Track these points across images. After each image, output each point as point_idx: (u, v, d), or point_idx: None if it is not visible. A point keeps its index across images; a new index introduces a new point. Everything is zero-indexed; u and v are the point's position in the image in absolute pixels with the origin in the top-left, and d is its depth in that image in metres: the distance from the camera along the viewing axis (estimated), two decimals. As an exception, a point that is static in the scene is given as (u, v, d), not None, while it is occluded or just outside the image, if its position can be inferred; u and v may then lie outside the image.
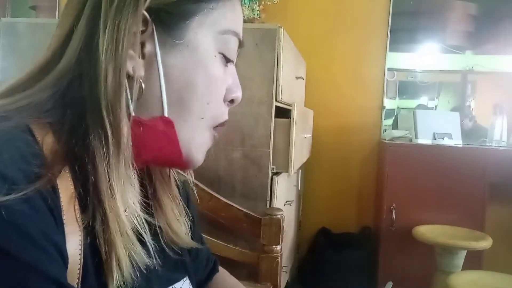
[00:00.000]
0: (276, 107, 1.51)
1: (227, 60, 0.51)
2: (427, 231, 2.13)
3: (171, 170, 0.61)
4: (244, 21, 2.06)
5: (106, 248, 0.43)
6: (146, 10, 0.46)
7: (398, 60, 2.74)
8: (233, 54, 0.52)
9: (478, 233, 2.12)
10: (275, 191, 1.52)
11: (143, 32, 0.46)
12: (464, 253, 2.06)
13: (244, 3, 2.04)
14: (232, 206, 1.41)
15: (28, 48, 1.54)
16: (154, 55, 0.47)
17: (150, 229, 0.56)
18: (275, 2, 2.21)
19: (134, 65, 0.46)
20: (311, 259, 2.47)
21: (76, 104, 0.44)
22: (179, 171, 0.65)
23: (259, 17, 2.13)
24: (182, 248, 0.63)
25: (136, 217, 0.46)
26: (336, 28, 2.71)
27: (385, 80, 2.71)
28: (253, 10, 2.07)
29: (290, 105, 1.56)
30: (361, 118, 2.72)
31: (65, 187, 0.42)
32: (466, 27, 2.71)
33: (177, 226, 0.60)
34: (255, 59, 1.47)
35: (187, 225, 0.62)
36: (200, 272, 0.69)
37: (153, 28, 0.47)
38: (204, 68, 0.48)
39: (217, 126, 0.52)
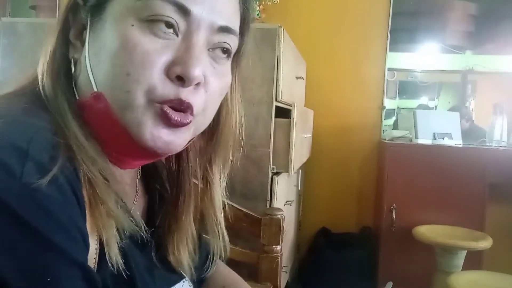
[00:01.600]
0: (276, 107, 1.51)
1: (158, 28, 0.45)
2: (427, 231, 2.13)
3: (214, 192, 0.63)
4: (244, 21, 2.01)
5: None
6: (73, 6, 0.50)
7: (398, 60, 2.74)
8: (166, 19, 0.45)
9: (478, 233, 2.12)
10: (275, 191, 1.52)
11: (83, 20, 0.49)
12: (464, 253, 2.06)
13: (244, 3, 2.04)
14: (232, 206, 1.41)
15: (28, 48, 1.54)
16: (86, 36, 0.48)
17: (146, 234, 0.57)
18: (275, 2, 2.21)
19: (74, 50, 0.50)
20: (311, 259, 2.47)
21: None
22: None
23: (259, 17, 2.13)
24: None
25: (121, 203, 0.47)
26: (336, 28, 2.71)
27: (385, 80, 2.71)
28: (253, 10, 2.07)
29: (290, 105, 1.56)
30: (361, 118, 2.72)
31: (83, 177, 0.43)
32: (466, 27, 2.71)
33: (179, 254, 0.60)
34: (255, 59, 1.46)
35: (192, 254, 0.62)
36: (199, 270, 0.69)
37: (80, 12, 0.49)
38: (120, 39, 0.45)
39: (164, 104, 0.45)
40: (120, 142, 0.48)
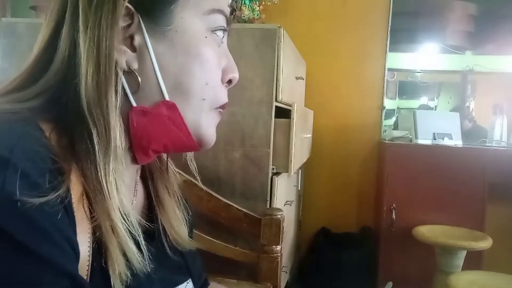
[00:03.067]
0: (276, 107, 1.51)
1: (219, 38, 0.52)
2: (427, 231, 2.13)
3: (169, 165, 0.63)
4: (244, 21, 2.06)
5: (103, 246, 0.44)
6: (129, 2, 0.46)
7: (398, 60, 2.74)
8: (221, 34, 0.53)
9: (478, 233, 2.12)
10: (275, 191, 1.52)
11: (130, 25, 0.47)
12: (464, 253, 2.06)
13: (244, 3, 2.04)
14: (232, 206, 1.41)
15: (28, 48, 1.53)
16: (145, 46, 0.47)
17: (150, 232, 0.57)
18: (275, 2, 2.21)
19: (127, 59, 0.47)
20: (311, 259, 2.47)
21: (66, 106, 0.45)
22: (180, 171, 0.65)
23: (259, 17, 2.13)
24: (183, 253, 0.63)
25: (127, 217, 0.46)
26: (336, 28, 2.71)
27: (385, 80, 2.71)
28: (253, 10, 2.07)
29: (290, 105, 1.56)
30: (361, 118, 2.72)
31: (75, 186, 0.43)
32: (466, 27, 2.71)
33: (178, 226, 0.61)
34: (255, 59, 1.47)
35: (187, 225, 0.63)
36: (195, 283, 0.69)
37: (139, 19, 0.47)
38: (196, 50, 0.49)
39: (218, 108, 0.53)
40: (178, 142, 0.51)
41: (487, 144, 2.48)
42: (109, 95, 0.45)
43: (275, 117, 1.50)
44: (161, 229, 0.59)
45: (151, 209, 0.60)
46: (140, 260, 0.47)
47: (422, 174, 2.29)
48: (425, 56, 2.75)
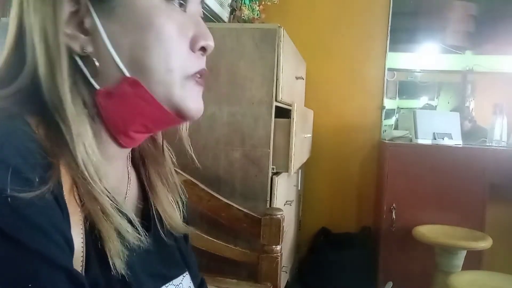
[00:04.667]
0: (276, 107, 1.51)
1: (180, 4, 0.49)
2: (427, 231, 2.13)
3: (165, 148, 0.63)
4: (244, 21, 2.06)
5: (97, 233, 0.44)
6: None
7: (398, 60, 2.74)
8: (181, 1, 0.50)
9: (478, 233, 2.12)
10: (275, 191, 1.52)
11: (79, 10, 0.46)
12: (464, 253, 2.06)
13: (244, 3, 2.04)
14: (232, 206, 1.41)
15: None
16: (96, 27, 0.46)
17: (146, 223, 0.57)
18: (275, 2, 2.21)
19: (81, 43, 0.46)
20: (311, 259, 2.47)
21: (39, 101, 0.46)
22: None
23: (259, 17, 2.13)
24: (181, 245, 0.63)
25: (114, 198, 0.47)
26: (336, 28, 2.71)
27: (385, 80, 2.71)
28: (253, 10, 2.07)
29: (290, 105, 1.56)
30: (361, 118, 2.72)
31: (65, 177, 0.43)
32: (466, 27, 2.71)
33: (172, 211, 0.61)
34: (255, 59, 1.47)
35: (183, 209, 0.64)
36: (195, 280, 0.68)
37: (86, 1, 0.46)
38: (148, 22, 0.47)
39: (193, 76, 0.51)
40: (155, 118, 0.50)
41: (487, 144, 2.48)
42: (62, 83, 0.44)
43: (275, 117, 1.50)
44: (156, 218, 0.59)
45: (146, 199, 0.60)
46: (135, 236, 0.48)
47: (422, 174, 2.29)
48: (425, 56, 2.75)
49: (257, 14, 2.12)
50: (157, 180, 0.61)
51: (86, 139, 0.45)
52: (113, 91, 0.47)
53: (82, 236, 0.43)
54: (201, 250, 1.38)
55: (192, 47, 0.50)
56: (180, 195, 0.64)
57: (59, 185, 0.42)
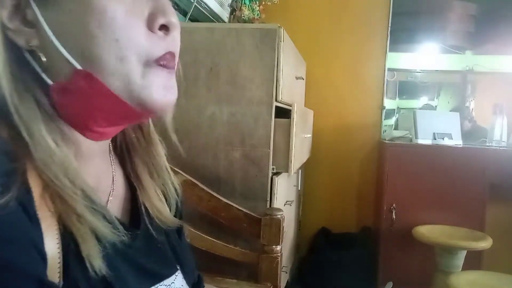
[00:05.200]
0: (276, 107, 1.51)
1: None
2: (427, 231, 2.13)
3: (152, 136, 0.59)
4: (244, 21, 2.06)
5: (72, 233, 0.42)
6: None
7: (398, 60, 2.74)
8: None
9: (478, 233, 2.12)
10: (275, 191, 1.52)
11: (19, 2, 0.44)
12: (464, 253, 2.06)
13: (244, 3, 2.04)
14: (232, 206, 1.41)
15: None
16: (38, 18, 0.43)
17: (135, 220, 0.55)
18: (275, 2, 2.21)
19: (26, 37, 0.44)
20: (311, 259, 2.47)
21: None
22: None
23: (259, 17, 2.13)
24: (173, 241, 0.61)
25: (85, 197, 0.44)
26: (336, 28, 2.71)
27: (385, 80, 2.71)
28: (253, 10, 2.07)
29: (290, 105, 1.56)
30: (361, 118, 2.73)
31: (35, 183, 0.41)
32: (466, 27, 2.71)
33: (160, 205, 0.58)
34: (255, 59, 1.47)
35: (172, 204, 0.61)
36: (189, 276, 0.66)
37: None
38: (89, 6, 0.42)
39: (156, 62, 0.46)
40: (116, 113, 0.46)
41: (487, 144, 2.48)
42: (5, 81, 0.42)
43: (275, 117, 1.50)
44: (145, 213, 0.57)
45: (134, 195, 0.58)
46: (113, 234, 0.45)
47: (422, 174, 2.29)
48: (425, 56, 2.75)
49: (257, 14, 2.12)
50: (144, 172, 0.58)
51: (41, 139, 0.42)
52: (67, 86, 0.44)
53: (57, 241, 0.41)
54: (201, 250, 1.38)
55: (150, 27, 0.45)
56: (174, 188, 0.61)
57: (27, 190, 0.39)
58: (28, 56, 0.44)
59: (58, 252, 0.41)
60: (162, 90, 0.46)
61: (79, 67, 0.43)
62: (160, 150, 0.60)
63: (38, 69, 0.44)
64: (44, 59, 0.44)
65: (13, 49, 0.43)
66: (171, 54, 0.47)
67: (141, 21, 0.44)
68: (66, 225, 0.42)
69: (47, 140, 0.43)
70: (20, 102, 0.42)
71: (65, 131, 0.47)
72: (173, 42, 0.48)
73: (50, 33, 0.43)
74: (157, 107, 0.46)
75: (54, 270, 0.41)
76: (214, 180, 1.50)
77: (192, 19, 1.94)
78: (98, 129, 0.48)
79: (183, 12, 1.90)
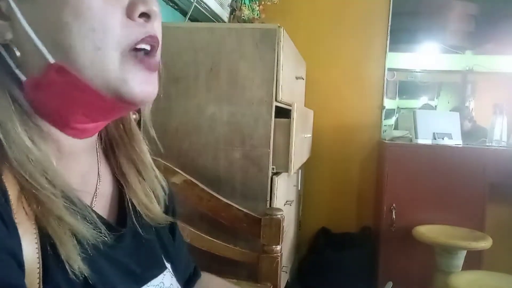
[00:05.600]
0: (276, 107, 1.51)
1: None
2: (427, 231, 2.13)
3: (133, 131, 0.57)
4: (244, 21, 2.06)
5: (50, 236, 0.41)
6: None
7: (398, 60, 2.74)
8: None
9: (478, 233, 2.12)
10: (275, 191, 1.52)
11: None
12: (464, 253, 2.06)
13: (244, 3, 2.04)
14: (232, 206, 1.41)
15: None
16: (12, 9, 0.42)
17: (121, 218, 0.54)
18: (275, 2, 2.21)
19: (0, 30, 0.42)
20: (311, 259, 2.47)
21: None
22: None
23: (259, 17, 2.13)
24: (163, 238, 0.60)
25: (65, 198, 0.43)
26: (336, 28, 2.71)
27: (385, 80, 2.71)
28: (253, 10, 2.07)
29: (290, 105, 1.56)
30: (361, 118, 2.73)
31: (11, 186, 0.40)
32: (466, 27, 2.71)
33: (147, 201, 0.57)
34: (255, 59, 1.47)
35: (160, 201, 0.60)
36: (181, 273, 0.65)
37: None
38: None
39: (138, 45, 0.44)
40: (93, 107, 0.45)
41: (487, 144, 2.48)
42: None
43: (275, 117, 1.50)
44: (132, 210, 0.55)
45: (121, 193, 0.56)
46: (94, 234, 0.44)
47: (422, 174, 2.29)
48: (425, 56, 2.75)
49: (257, 14, 2.12)
50: (129, 169, 0.57)
51: (16, 137, 0.40)
52: (40, 81, 0.43)
53: (36, 246, 0.40)
54: (201, 250, 1.38)
55: (129, 15, 0.43)
56: (159, 183, 0.60)
57: (3, 193, 0.38)
58: (1, 50, 0.43)
59: (37, 258, 0.40)
60: (140, 81, 0.45)
61: (52, 60, 0.42)
62: (143, 147, 0.58)
63: (12, 64, 0.43)
64: (18, 53, 0.42)
65: None
66: (152, 37, 0.45)
67: (119, 9, 0.43)
68: (43, 227, 0.41)
69: (23, 138, 0.41)
70: None
71: (43, 129, 0.45)
72: (154, 29, 0.46)
73: (26, 25, 0.41)
74: (135, 99, 0.45)
75: (33, 276, 0.39)
76: (214, 180, 1.50)
77: (192, 19, 1.94)
78: (77, 126, 0.47)
79: (183, 12, 1.90)
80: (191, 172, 1.41)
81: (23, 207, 0.40)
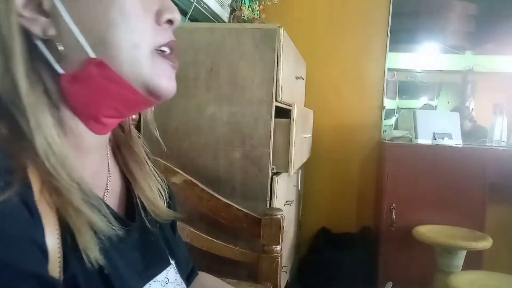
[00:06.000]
0: (276, 107, 1.51)
1: None
2: (427, 231, 2.13)
3: (132, 134, 0.60)
4: (244, 21, 2.06)
5: (69, 227, 0.43)
6: None
7: (398, 60, 2.74)
8: None
9: (478, 233, 2.12)
10: (275, 191, 1.52)
11: None
12: (464, 253, 2.06)
13: (244, 3, 2.04)
14: (232, 206, 1.41)
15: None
16: (56, 7, 0.44)
17: (130, 213, 0.56)
18: (275, 2, 2.21)
19: (42, 27, 0.44)
20: (311, 259, 2.47)
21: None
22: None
23: (259, 17, 2.13)
24: (167, 233, 0.62)
25: (82, 191, 0.45)
26: (336, 28, 2.71)
27: (385, 80, 2.71)
28: (253, 10, 2.07)
29: (290, 105, 1.56)
30: (361, 118, 2.73)
31: (35, 178, 0.41)
32: (466, 27, 2.71)
33: (154, 198, 0.60)
34: (255, 59, 1.47)
35: (163, 198, 0.62)
36: (183, 270, 0.67)
37: None
38: None
39: (162, 47, 0.49)
40: (126, 101, 0.48)
41: (487, 144, 2.48)
42: (16, 69, 0.42)
43: (275, 117, 1.50)
44: (140, 206, 0.58)
45: (129, 189, 0.59)
46: (108, 227, 0.46)
47: (422, 174, 2.29)
48: (425, 56, 2.75)
49: (257, 14, 2.12)
50: (135, 167, 0.60)
51: (46, 129, 0.43)
52: (78, 75, 0.45)
53: (58, 236, 0.42)
54: (201, 250, 1.38)
55: (157, 21, 0.49)
56: (159, 182, 0.62)
57: (27, 186, 0.40)
58: (40, 44, 0.44)
59: (59, 247, 0.42)
60: (167, 78, 0.50)
61: (93, 55, 0.45)
62: (141, 147, 0.62)
63: (51, 58, 0.45)
64: (61, 48, 0.44)
65: (25, 37, 0.43)
66: (174, 41, 0.51)
67: (151, 13, 0.48)
68: (63, 218, 0.42)
69: (51, 130, 0.43)
70: (30, 90, 0.43)
71: (69, 124, 0.47)
72: (172, 33, 0.52)
73: (70, 21, 0.44)
74: (163, 93, 0.49)
75: (55, 265, 0.41)
76: (214, 180, 1.50)
77: (192, 19, 1.94)
78: (105, 120, 0.49)
79: (183, 12, 1.90)
80: (191, 172, 1.41)
81: (45, 199, 0.42)
